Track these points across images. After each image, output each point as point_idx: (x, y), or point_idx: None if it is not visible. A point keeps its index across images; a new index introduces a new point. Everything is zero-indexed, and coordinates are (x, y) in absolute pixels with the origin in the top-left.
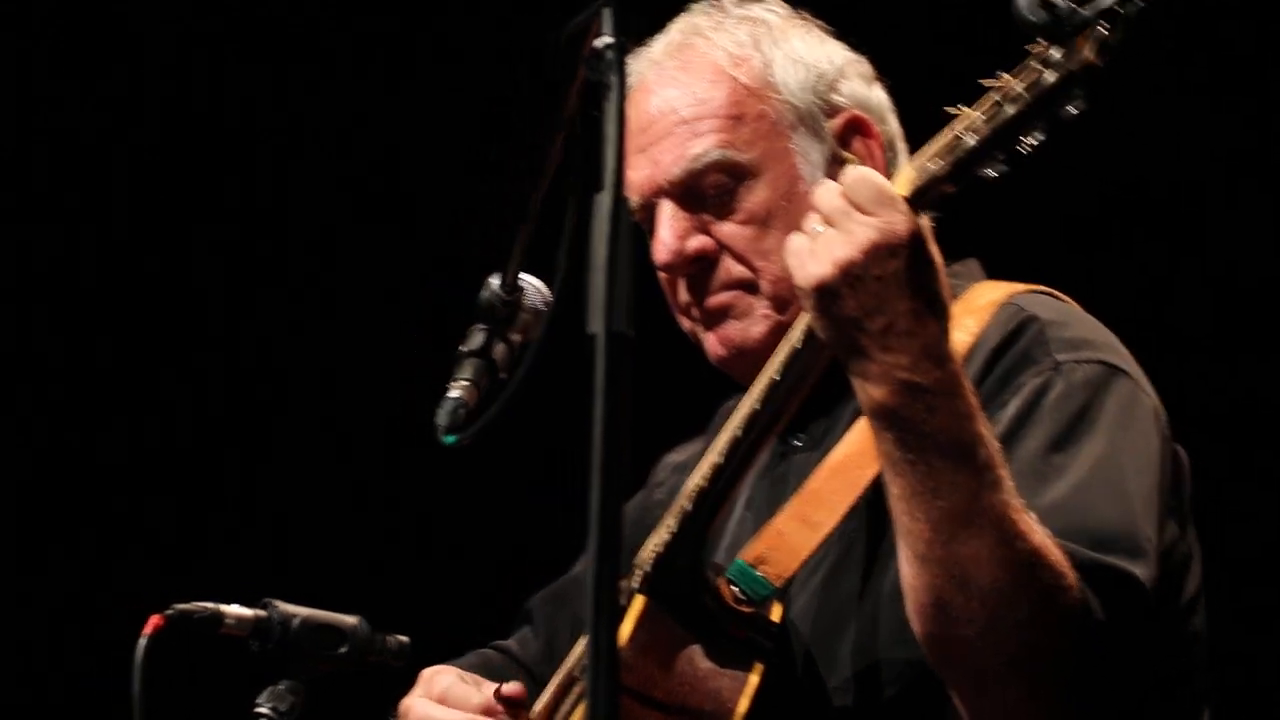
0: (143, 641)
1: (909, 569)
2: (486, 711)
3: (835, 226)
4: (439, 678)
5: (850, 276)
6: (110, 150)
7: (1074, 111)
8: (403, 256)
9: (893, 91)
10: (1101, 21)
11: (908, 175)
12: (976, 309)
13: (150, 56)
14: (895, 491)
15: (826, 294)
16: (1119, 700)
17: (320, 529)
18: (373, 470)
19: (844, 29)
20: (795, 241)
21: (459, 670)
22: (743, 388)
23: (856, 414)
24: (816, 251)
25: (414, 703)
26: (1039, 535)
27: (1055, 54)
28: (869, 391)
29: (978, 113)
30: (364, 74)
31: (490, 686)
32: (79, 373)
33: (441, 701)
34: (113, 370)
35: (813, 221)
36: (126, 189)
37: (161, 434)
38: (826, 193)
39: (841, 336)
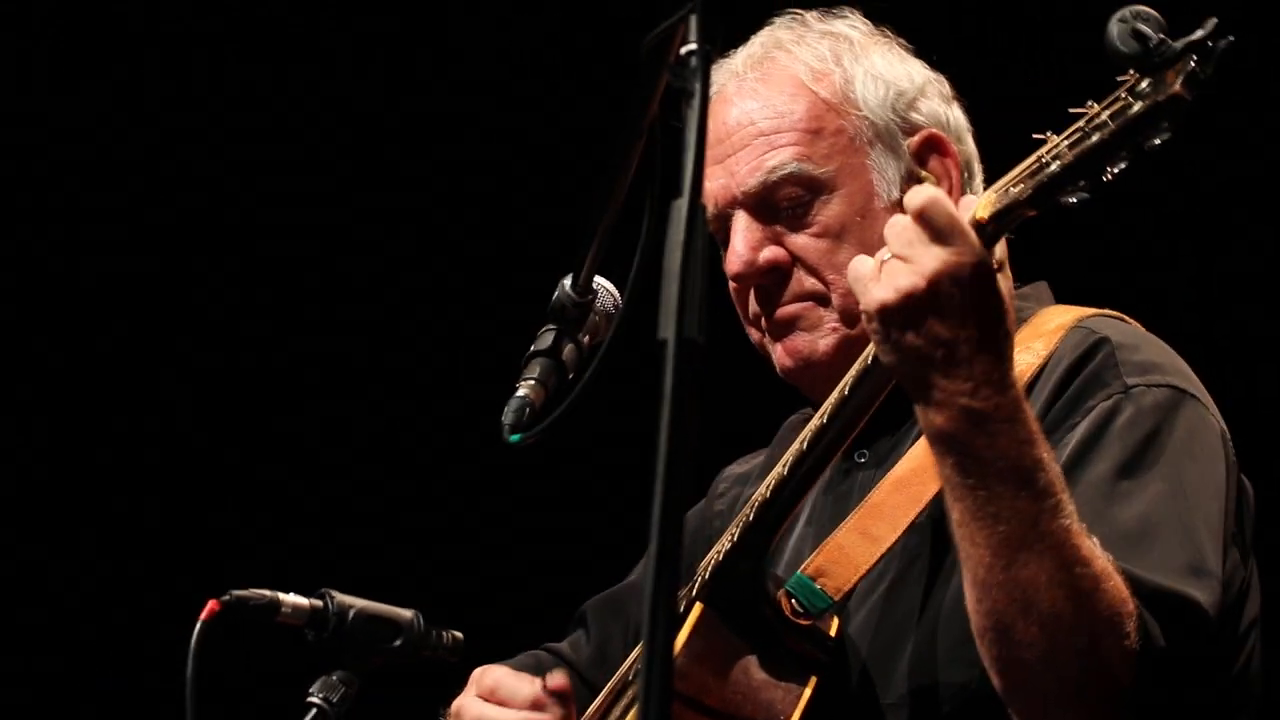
0: (199, 626)
1: (971, 594)
2: (536, 705)
3: (902, 255)
4: (489, 673)
5: (913, 303)
6: (111, 147)
7: (1158, 142)
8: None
9: (971, 113)
10: (1192, 55)
11: (989, 198)
12: (1045, 332)
13: (150, 56)
14: (955, 516)
15: (889, 320)
16: None
17: (369, 526)
18: (428, 468)
19: (925, 48)
20: (860, 266)
21: (508, 667)
22: (809, 402)
23: (922, 433)
24: (882, 277)
25: (467, 703)
26: (1100, 562)
27: (1144, 85)
28: (929, 417)
29: (1063, 139)
30: (364, 75)
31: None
32: (96, 361)
33: (492, 694)
34: (131, 362)
35: (884, 251)
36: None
37: (194, 424)
38: (897, 223)
39: (903, 362)
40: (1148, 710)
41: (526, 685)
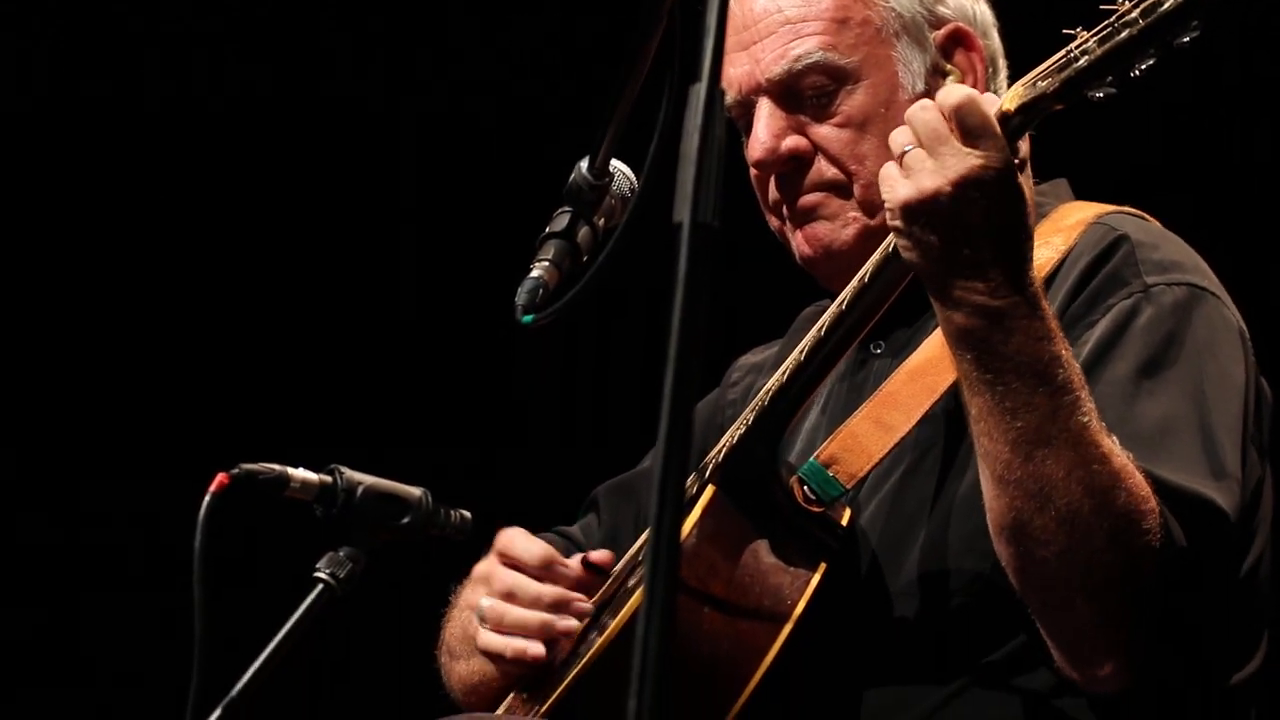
0: (207, 499)
1: (989, 491)
2: (546, 563)
3: (929, 151)
4: (505, 533)
5: (939, 203)
6: None
7: (1188, 40)
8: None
9: (998, 8)
10: None
11: (1017, 91)
12: (1065, 227)
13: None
14: (973, 412)
15: (912, 217)
16: (1192, 624)
17: (380, 404)
18: (444, 348)
19: None
20: (889, 167)
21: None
22: (826, 293)
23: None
24: (908, 176)
25: (495, 570)
26: (1119, 459)
27: None
28: (948, 314)
29: (1092, 35)
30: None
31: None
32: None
33: (506, 551)
34: (149, 240)
35: (903, 135)
36: None
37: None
38: (924, 112)
39: (924, 260)
40: (1168, 609)
41: (537, 545)
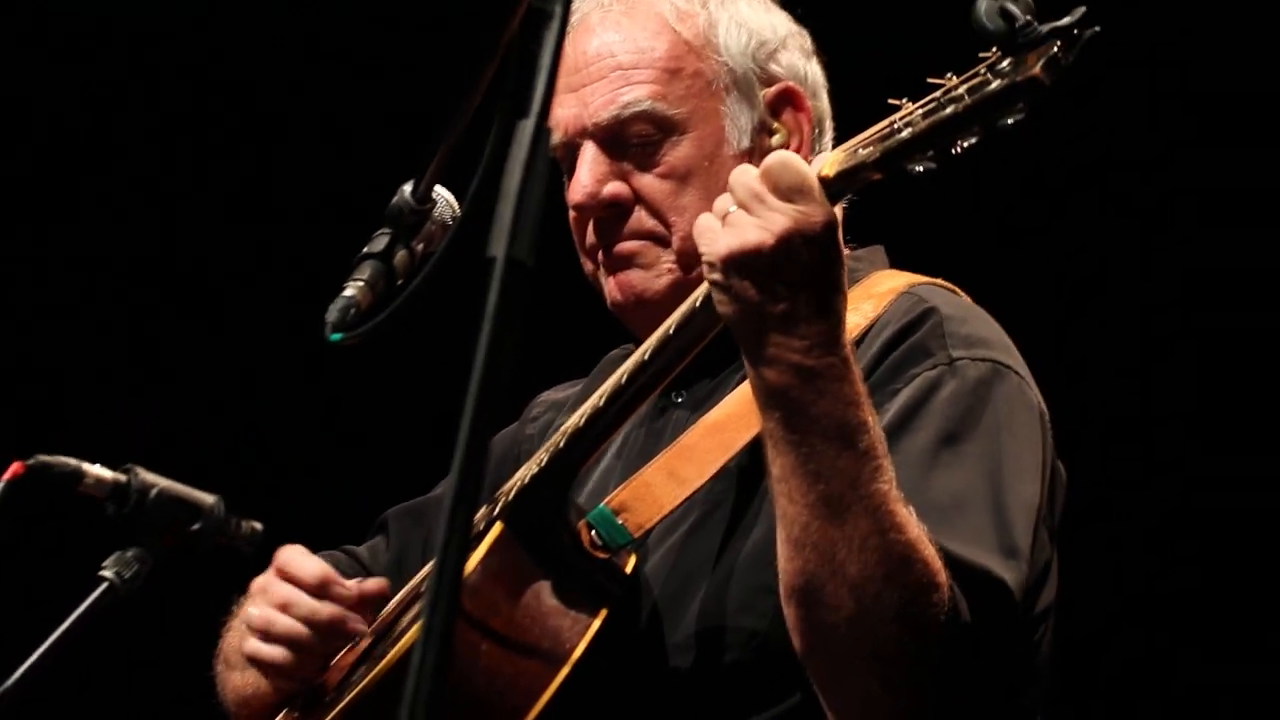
0: (1, 486)
1: (784, 552)
2: (322, 581)
3: (750, 210)
4: (285, 549)
5: (759, 260)
6: None
7: (1011, 122)
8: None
9: (830, 71)
10: (1056, 41)
11: (837, 157)
12: (875, 294)
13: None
14: (776, 472)
15: (732, 271)
16: (971, 702)
17: (183, 411)
18: (246, 362)
19: (791, 1)
20: (706, 219)
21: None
22: (634, 339)
23: (742, 379)
24: (730, 229)
25: (271, 583)
26: (915, 530)
27: (1005, 64)
28: (760, 371)
29: (918, 108)
30: None
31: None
32: None
33: (284, 567)
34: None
35: (725, 201)
36: None
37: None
38: (743, 175)
39: (740, 315)
40: (947, 684)
41: (314, 562)
